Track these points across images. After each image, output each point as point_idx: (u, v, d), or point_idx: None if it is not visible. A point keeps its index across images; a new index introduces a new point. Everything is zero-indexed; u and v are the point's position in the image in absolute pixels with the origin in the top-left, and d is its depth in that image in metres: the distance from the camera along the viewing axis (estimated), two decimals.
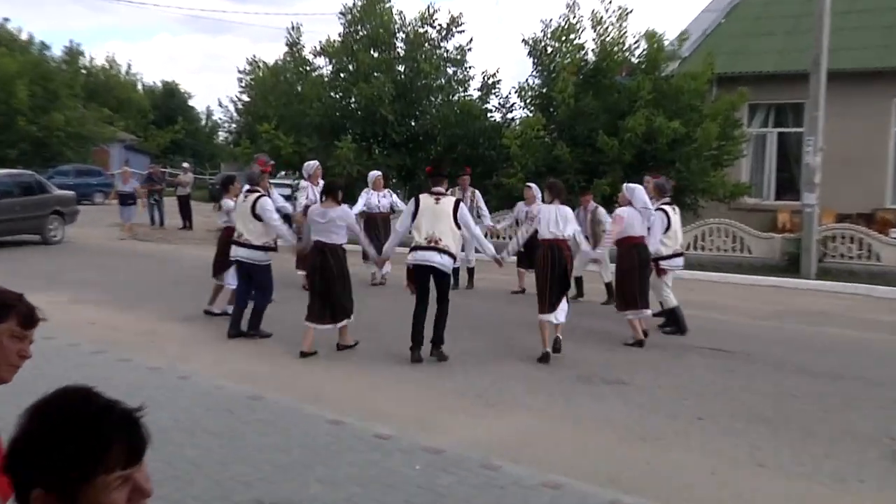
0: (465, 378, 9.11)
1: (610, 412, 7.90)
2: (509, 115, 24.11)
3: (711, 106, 19.76)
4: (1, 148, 32.92)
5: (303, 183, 14.21)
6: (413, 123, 23.87)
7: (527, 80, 21.96)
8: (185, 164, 31.74)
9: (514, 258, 13.18)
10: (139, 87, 59.45)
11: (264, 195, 10.77)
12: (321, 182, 12.82)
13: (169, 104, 60.31)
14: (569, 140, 19.87)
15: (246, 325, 10.60)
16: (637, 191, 10.77)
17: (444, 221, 9.44)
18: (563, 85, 19.70)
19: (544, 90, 21.08)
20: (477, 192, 15.64)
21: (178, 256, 20.16)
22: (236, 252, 10.61)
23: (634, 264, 10.64)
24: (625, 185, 11.32)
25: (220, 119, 43.06)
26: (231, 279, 11.57)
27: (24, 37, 42.86)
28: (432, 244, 9.46)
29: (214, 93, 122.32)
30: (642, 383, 8.97)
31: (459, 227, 9.57)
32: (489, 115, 24.27)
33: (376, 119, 22.64)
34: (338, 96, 23.92)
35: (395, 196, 15.92)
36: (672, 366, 9.86)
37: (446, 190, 10.04)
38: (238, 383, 8.52)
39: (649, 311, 10.79)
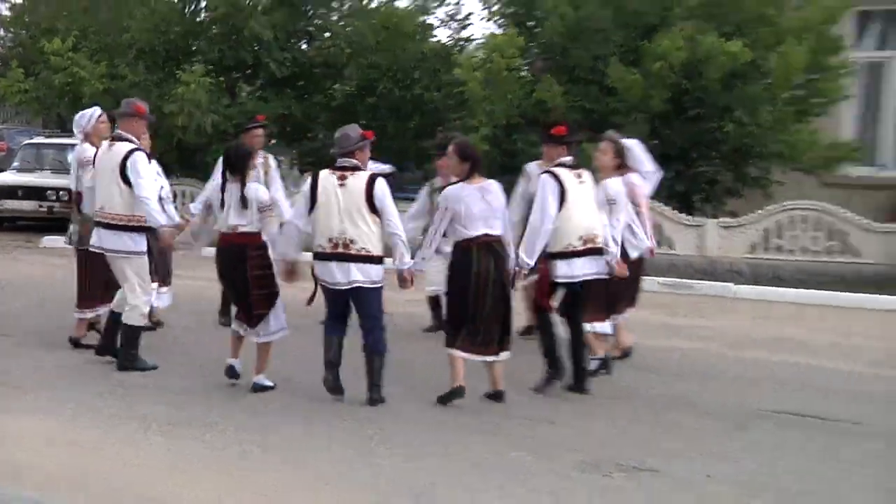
0: (392, 466, 5.92)
1: None
2: (464, 34, 16.99)
3: (796, 17, 13.10)
4: None
5: (80, 148, 9.19)
6: (304, 46, 16.74)
7: None
8: None
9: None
10: None
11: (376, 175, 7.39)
12: (108, 143, 8.11)
13: None
14: (563, 73, 13.68)
15: None
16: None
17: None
18: None
19: None
20: (271, 157, 10.21)
21: None
22: (337, 270, 7.60)
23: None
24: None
25: None
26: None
27: None
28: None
29: None
30: (687, 476, 5.54)
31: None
32: (432, 33, 17.07)
33: (242, 39, 15.13)
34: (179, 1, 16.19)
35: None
36: (735, 442, 6.22)
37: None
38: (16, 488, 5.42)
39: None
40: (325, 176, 6.61)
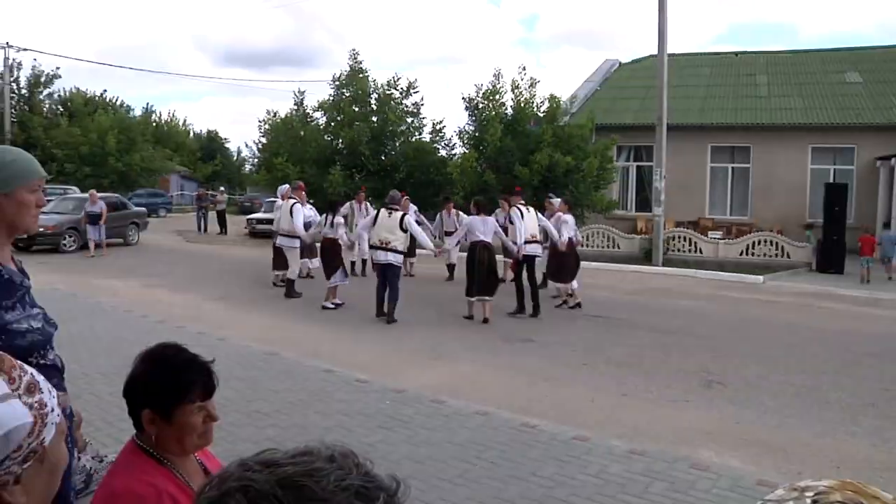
0: (421, 339, 9.63)
1: (522, 362, 8.45)
2: (452, 152, 25.82)
3: (592, 147, 21.98)
4: (97, 178, 35.20)
5: (278, 202, 14.45)
6: (383, 157, 25.68)
7: (464, 126, 24.18)
8: (222, 188, 34.31)
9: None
10: (191, 134, 64.46)
11: (405, 213, 11.06)
12: (291, 200, 13.21)
13: (211, 146, 65.89)
14: (494, 169, 21.77)
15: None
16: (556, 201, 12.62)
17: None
18: (492, 130, 21.75)
19: (477, 134, 23.05)
20: (368, 204, 16.35)
21: (216, 254, 21.12)
22: (379, 255, 10.70)
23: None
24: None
25: (246, 156, 46.94)
26: (340, 278, 11.89)
27: (116, 102, 46.46)
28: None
29: (243, 137, 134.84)
30: (545, 341, 9.62)
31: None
32: (437, 151, 26.16)
33: (357, 154, 24.66)
34: (329, 139, 25.84)
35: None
36: (566, 328, 10.58)
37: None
38: (258, 344, 8.86)
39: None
40: (383, 211, 10.68)
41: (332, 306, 11.76)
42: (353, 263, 15.55)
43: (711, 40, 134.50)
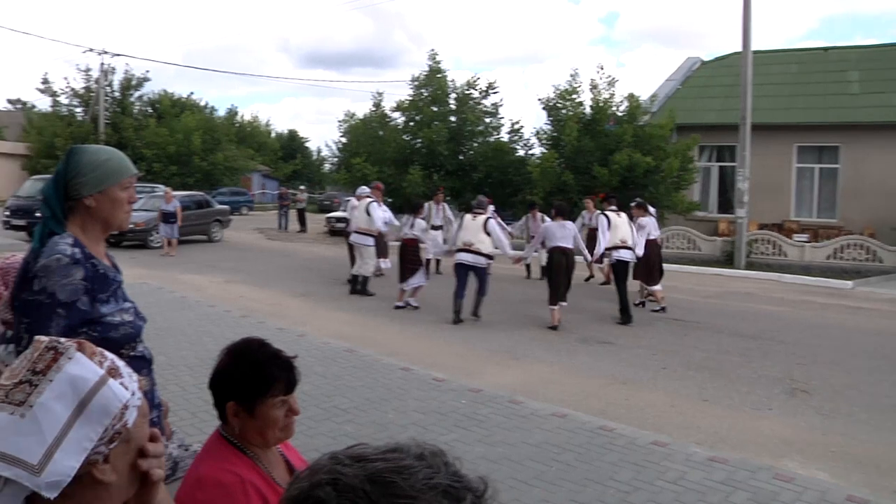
0: (498, 339, 9.66)
1: (600, 364, 8.38)
2: (529, 152, 25.92)
3: (673, 146, 21.44)
4: (183, 177, 36.98)
5: (352, 201, 14.47)
6: (461, 157, 25.94)
7: (542, 126, 24.14)
8: (302, 187, 34.92)
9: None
10: (272, 134, 66.08)
11: (491, 217, 11.12)
12: (367, 198, 13.26)
13: (292, 145, 67.68)
14: (572, 169, 21.66)
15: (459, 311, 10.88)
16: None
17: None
18: (568, 130, 21.65)
19: (555, 134, 23.05)
20: (446, 205, 16.39)
21: (296, 251, 21.45)
22: (465, 257, 10.72)
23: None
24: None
25: (326, 155, 48.94)
26: (421, 279, 11.91)
27: (201, 103, 48.41)
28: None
29: (323, 137, 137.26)
30: (624, 344, 9.53)
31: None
32: (515, 151, 26.21)
33: (435, 154, 24.95)
34: (408, 138, 26.08)
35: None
36: (645, 331, 10.43)
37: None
38: (337, 340, 9.00)
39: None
40: (468, 215, 10.78)
41: (404, 305, 11.82)
42: (427, 262, 15.41)
43: (801, 36, 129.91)
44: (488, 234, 10.35)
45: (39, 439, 1.06)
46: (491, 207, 14.59)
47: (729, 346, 9.57)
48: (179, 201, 20.26)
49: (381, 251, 13.56)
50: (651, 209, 12.89)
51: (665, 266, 14.06)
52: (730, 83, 23.97)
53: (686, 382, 7.70)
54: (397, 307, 11.73)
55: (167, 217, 19.54)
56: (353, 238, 13.08)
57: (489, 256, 10.53)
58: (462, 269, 10.57)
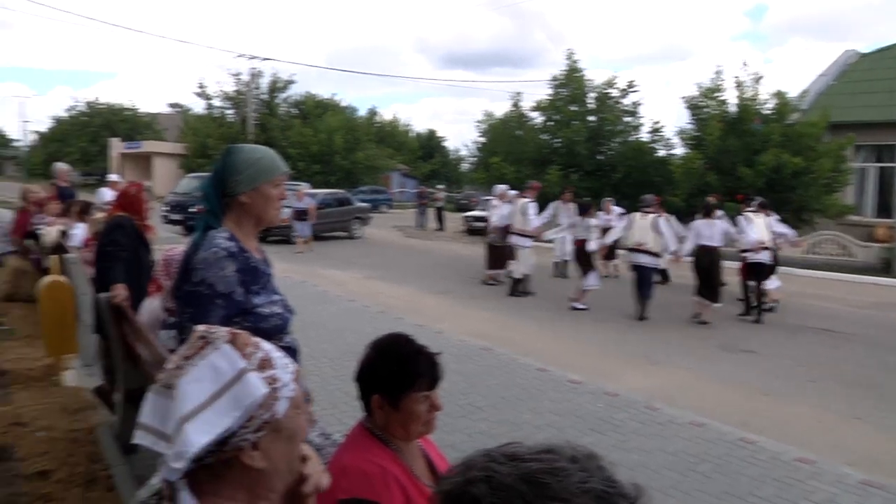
0: (635, 343, 9.52)
1: (742, 373, 8.11)
2: (670, 152, 25.52)
3: (825, 146, 20.42)
4: (325, 175, 38.54)
5: (493, 201, 14.37)
6: (600, 157, 25.73)
7: (684, 126, 23.65)
8: (440, 186, 35.55)
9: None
10: (411, 134, 67.59)
11: (661, 216, 11.08)
12: (524, 199, 13.05)
13: (430, 145, 69.12)
14: (716, 170, 21.08)
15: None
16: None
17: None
18: (711, 129, 21.04)
19: (697, 133, 22.43)
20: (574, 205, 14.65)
21: (433, 249, 21.61)
22: (642, 259, 10.84)
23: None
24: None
25: (464, 154, 50.00)
26: (593, 281, 11.83)
27: (343, 104, 50.25)
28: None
29: (461, 136, 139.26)
30: (767, 353, 9.18)
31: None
32: (656, 151, 25.82)
33: (574, 154, 24.93)
34: (547, 138, 26.22)
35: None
36: (791, 341, 9.99)
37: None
38: (474, 338, 9.04)
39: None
40: (638, 215, 10.84)
41: (583, 307, 11.67)
42: (555, 264, 15.72)
43: None
44: (659, 233, 10.45)
45: (176, 415, 1.14)
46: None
47: (885, 360, 9.00)
48: (321, 199, 21.01)
49: (509, 255, 13.37)
50: (771, 213, 12.10)
51: (812, 273, 14.24)
52: (893, 76, 22.68)
53: (835, 398, 7.30)
54: (576, 308, 11.64)
55: (300, 215, 19.80)
56: (512, 239, 13.02)
57: (657, 255, 10.62)
58: (641, 270, 10.78)
